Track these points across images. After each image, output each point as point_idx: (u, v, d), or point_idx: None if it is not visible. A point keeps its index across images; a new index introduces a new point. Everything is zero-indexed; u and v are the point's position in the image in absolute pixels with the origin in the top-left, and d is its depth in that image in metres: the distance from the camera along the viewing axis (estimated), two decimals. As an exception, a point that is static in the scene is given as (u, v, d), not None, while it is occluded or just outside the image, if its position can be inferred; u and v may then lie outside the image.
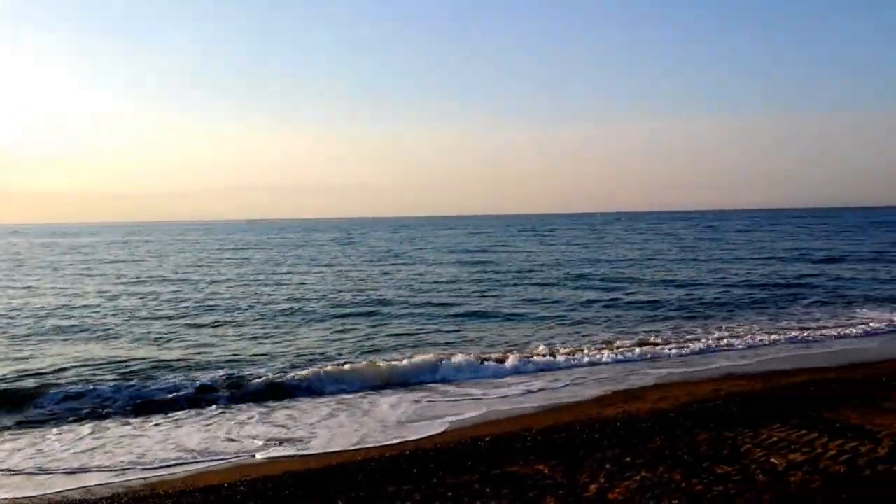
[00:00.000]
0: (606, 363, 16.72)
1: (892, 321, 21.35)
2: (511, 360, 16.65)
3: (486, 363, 16.37)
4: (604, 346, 18.64)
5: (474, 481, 8.00)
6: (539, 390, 14.20)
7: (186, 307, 27.39)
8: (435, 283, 35.48)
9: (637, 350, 17.91)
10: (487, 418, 12.22)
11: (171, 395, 13.93)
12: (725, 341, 18.84)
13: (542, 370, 16.05)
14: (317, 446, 10.86)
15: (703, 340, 18.95)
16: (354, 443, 10.97)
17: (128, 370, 16.15)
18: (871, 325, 20.80)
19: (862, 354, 16.44)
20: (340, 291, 32.16)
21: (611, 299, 28.06)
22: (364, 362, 16.53)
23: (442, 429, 11.62)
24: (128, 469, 10.01)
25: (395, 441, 10.95)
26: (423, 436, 11.22)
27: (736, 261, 45.27)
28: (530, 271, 41.03)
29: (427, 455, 9.50)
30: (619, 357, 17.21)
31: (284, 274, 42.14)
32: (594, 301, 27.59)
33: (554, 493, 7.39)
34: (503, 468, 8.54)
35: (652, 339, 19.38)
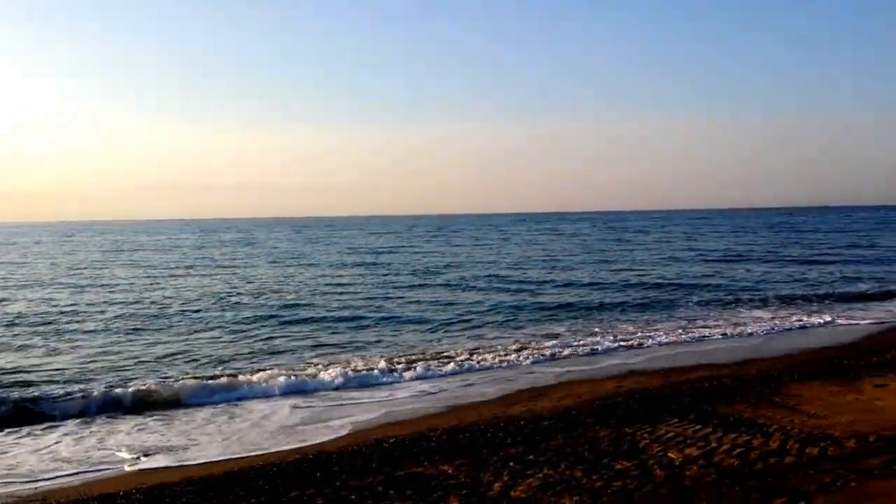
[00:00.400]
0: (511, 363, 16.85)
1: (778, 319, 22.32)
2: (415, 362, 16.62)
3: (387, 367, 16.23)
4: (507, 346, 18.79)
5: (378, 483, 7.90)
6: (442, 391, 14.23)
7: (61, 313, 26.00)
8: (336, 285, 35.09)
9: (542, 349, 18.14)
10: (393, 419, 12.15)
11: (40, 407, 13.16)
12: (627, 340, 19.28)
13: (447, 373, 16.00)
14: (212, 454, 10.58)
15: (605, 339, 19.34)
16: (252, 448, 10.73)
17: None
18: (761, 323, 21.68)
19: (754, 351, 17.09)
20: (238, 294, 31.48)
21: (514, 300, 28.35)
22: (259, 368, 16.16)
23: (345, 431, 11.49)
24: (9, 481, 9.52)
25: (297, 445, 10.75)
26: (325, 439, 11.06)
27: (636, 261, 46.55)
28: (433, 273, 41.09)
29: (331, 458, 9.34)
30: (524, 357, 17.38)
31: (176, 277, 40.90)
32: (498, 302, 27.79)
33: (458, 493, 7.36)
34: (408, 469, 8.45)
35: (557, 339, 19.70)
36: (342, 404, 13.45)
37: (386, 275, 40.23)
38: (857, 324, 21.20)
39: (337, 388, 14.68)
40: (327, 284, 35.30)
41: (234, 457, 10.31)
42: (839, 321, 21.74)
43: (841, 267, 39.68)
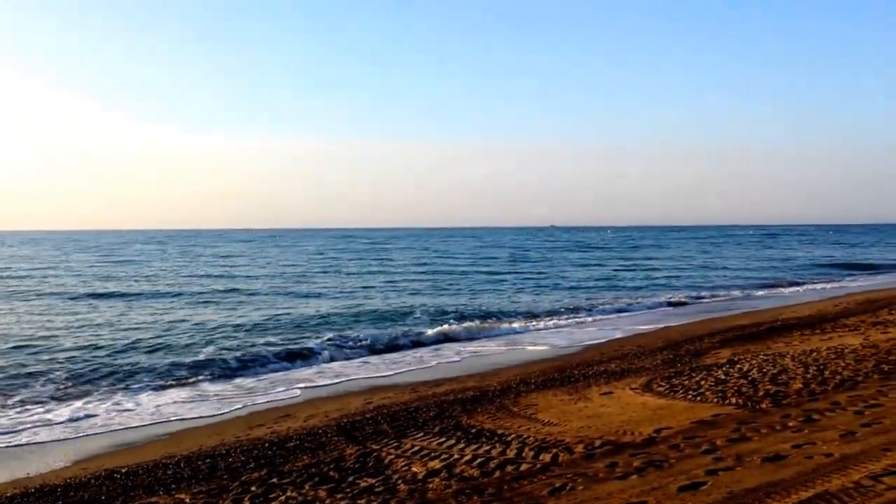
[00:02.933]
0: (254, 381, 16.35)
1: (524, 331, 23.60)
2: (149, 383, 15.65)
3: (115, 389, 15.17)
4: (248, 363, 18.24)
5: (104, 518, 7.24)
6: (178, 418, 13.44)
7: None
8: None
9: (287, 366, 17.82)
10: (128, 446, 11.31)
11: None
12: (376, 356, 19.43)
13: (187, 397, 15.18)
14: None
15: (354, 355, 19.38)
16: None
17: None
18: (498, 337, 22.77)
19: (496, 363, 17.83)
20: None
21: (239, 316, 27.77)
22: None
23: (66, 462, 10.50)
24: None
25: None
26: (46, 470, 10.06)
27: (372, 273, 47.98)
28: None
29: (55, 492, 8.51)
30: (270, 374, 16.95)
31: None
32: (233, 318, 27.08)
33: (193, 523, 6.92)
34: (140, 501, 7.87)
35: (300, 354, 19.48)
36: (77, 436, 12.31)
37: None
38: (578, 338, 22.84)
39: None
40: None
41: None
42: (559, 340, 23.31)
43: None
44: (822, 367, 12.71)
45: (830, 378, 11.68)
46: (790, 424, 8.92)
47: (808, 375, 12.02)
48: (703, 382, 12.22)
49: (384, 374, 17.04)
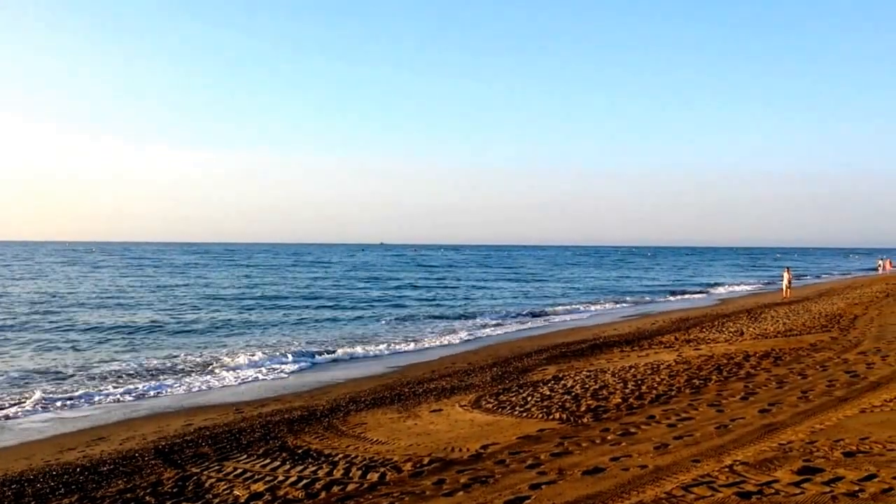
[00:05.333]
0: (65, 403, 15.24)
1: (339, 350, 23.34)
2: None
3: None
4: (55, 385, 17.07)
5: None
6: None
7: None
8: None
9: (102, 387, 16.76)
10: None
11: None
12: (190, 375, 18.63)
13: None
14: None
15: (162, 374, 18.53)
16: None
17: None
18: (320, 356, 22.44)
19: (326, 381, 17.50)
20: None
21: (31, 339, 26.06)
22: None
23: None
24: None
25: None
26: None
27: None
28: None
29: None
30: (81, 395, 15.86)
31: None
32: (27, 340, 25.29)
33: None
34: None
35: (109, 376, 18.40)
36: None
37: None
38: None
39: None
40: None
41: None
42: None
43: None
44: (639, 382, 13.33)
45: (647, 393, 12.25)
46: (609, 438, 9.25)
47: (627, 390, 12.56)
48: (529, 398, 12.49)
49: (205, 393, 16.31)
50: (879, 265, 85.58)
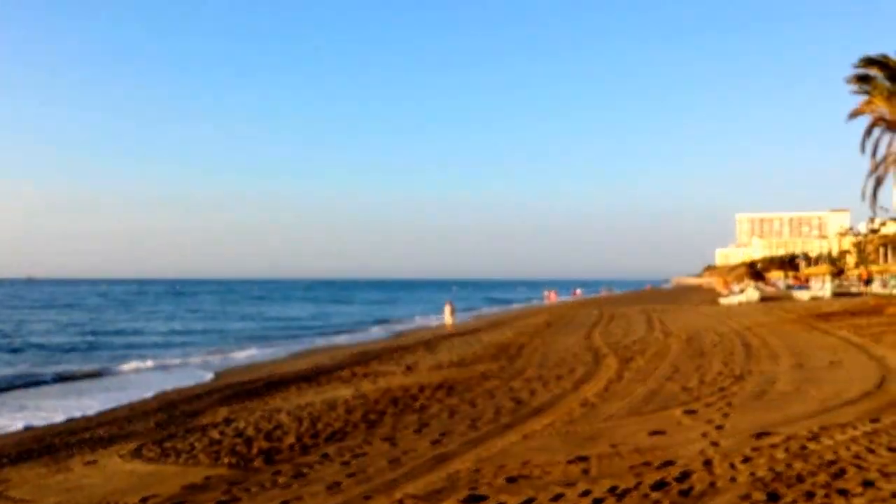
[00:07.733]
0: None
1: None
2: None
3: None
4: None
5: None
6: None
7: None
8: None
9: None
10: None
11: None
12: None
13: None
14: None
15: None
16: None
17: None
18: None
19: None
20: None
21: None
22: None
23: None
24: None
25: None
26: None
27: None
28: None
29: None
30: None
31: None
32: None
33: None
34: None
35: None
36: None
37: None
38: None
39: None
40: None
41: None
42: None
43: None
44: (315, 419, 13.00)
45: (322, 430, 11.97)
46: (280, 481, 8.79)
47: (302, 429, 12.17)
48: (197, 444, 11.64)
49: None
50: (545, 295, 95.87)
